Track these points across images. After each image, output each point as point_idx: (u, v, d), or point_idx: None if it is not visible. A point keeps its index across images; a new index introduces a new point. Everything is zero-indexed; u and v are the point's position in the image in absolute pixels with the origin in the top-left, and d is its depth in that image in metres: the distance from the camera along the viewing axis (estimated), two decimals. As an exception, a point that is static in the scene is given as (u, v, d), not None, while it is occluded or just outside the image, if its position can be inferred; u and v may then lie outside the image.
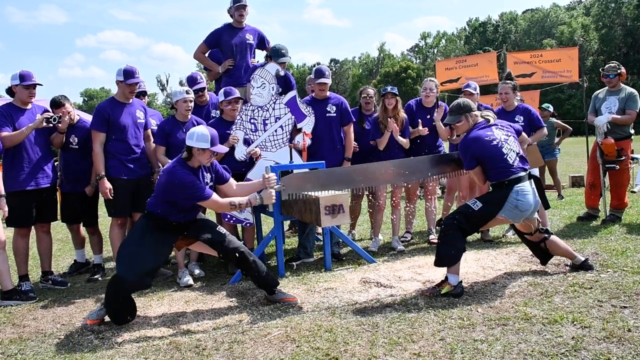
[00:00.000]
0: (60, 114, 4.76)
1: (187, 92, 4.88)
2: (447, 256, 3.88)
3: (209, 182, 3.90)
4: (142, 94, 5.61)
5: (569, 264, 4.31)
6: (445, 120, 4.39)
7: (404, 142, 5.51)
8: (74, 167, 5.07)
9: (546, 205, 4.28)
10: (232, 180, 4.13)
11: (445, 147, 6.04)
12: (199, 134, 3.72)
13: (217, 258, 4.68)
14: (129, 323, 3.67)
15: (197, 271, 4.93)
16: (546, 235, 4.22)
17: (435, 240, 5.66)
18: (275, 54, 5.38)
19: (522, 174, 3.95)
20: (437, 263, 3.95)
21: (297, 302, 3.89)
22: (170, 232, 3.81)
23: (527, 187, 3.94)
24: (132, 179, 4.76)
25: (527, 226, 4.19)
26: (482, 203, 3.94)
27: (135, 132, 4.82)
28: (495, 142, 3.97)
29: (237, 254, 3.85)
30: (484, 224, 4.03)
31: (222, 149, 3.89)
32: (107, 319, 3.71)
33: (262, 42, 6.03)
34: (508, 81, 5.63)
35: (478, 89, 5.84)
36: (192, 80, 5.44)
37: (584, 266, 4.19)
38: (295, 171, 4.44)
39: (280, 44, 5.50)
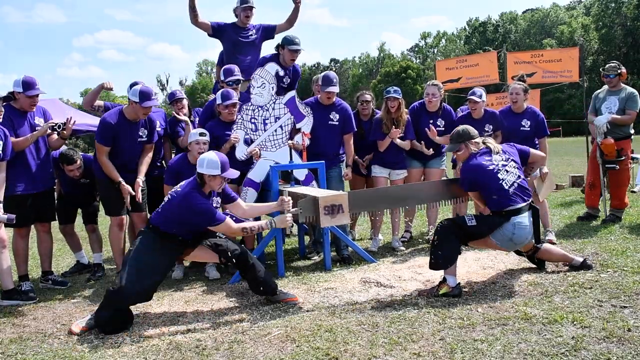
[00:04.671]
0: (65, 121, 4.74)
1: (200, 135, 4.72)
2: (442, 259, 3.88)
3: (217, 205, 3.94)
4: None
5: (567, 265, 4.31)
6: (445, 149, 4.44)
7: (405, 144, 5.48)
8: (79, 196, 5.26)
9: (537, 241, 4.17)
10: (240, 201, 4.14)
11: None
12: (209, 161, 3.73)
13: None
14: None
15: (213, 272, 4.91)
16: (538, 246, 4.20)
17: None
18: (288, 42, 5.23)
19: (522, 205, 3.93)
20: (432, 266, 3.95)
21: (299, 301, 3.89)
22: (176, 247, 3.82)
23: (525, 221, 3.92)
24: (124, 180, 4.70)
25: (526, 246, 4.18)
26: (476, 221, 3.96)
27: (132, 149, 4.77)
28: (491, 168, 3.97)
29: (237, 255, 3.86)
30: (473, 240, 4.05)
31: (233, 174, 3.86)
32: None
33: (267, 33, 5.99)
34: (520, 82, 5.58)
35: (484, 95, 5.56)
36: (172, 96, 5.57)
37: (584, 266, 4.20)
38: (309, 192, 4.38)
39: (293, 34, 5.35)
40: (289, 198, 4.03)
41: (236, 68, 5.34)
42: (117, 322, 3.55)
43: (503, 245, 4.02)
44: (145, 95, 4.55)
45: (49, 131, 4.63)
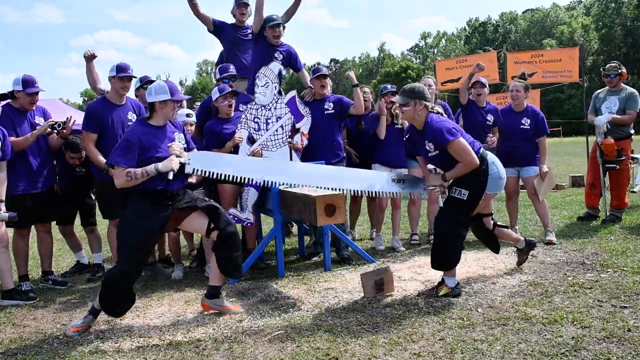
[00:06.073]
0: (65, 120, 4.74)
1: (187, 115, 4.86)
2: (447, 260, 3.84)
3: (182, 143, 3.69)
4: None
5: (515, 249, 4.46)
6: (394, 98, 4.07)
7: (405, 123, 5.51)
8: (76, 187, 5.21)
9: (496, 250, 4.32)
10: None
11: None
12: (157, 87, 3.58)
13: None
14: (129, 323, 3.68)
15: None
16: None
17: None
18: (267, 21, 5.38)
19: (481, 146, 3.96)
20: (436, 266, 3.91)
21: (240, 311, 3.78)
22: (161, 206, 3.57)
23: (493, 156, 3.96)
24: None
25: (489, 206, 4.13)
26: (467, 189, 3.78)
27: (123, 134, 4.72)
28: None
29: (228, 226, 3.67)
30: (475, 207, 3.89)
31: (184, 97, 3.73)
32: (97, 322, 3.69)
33: None
34: (521, 80, 5.59)
35: (487, 86, 5.73)
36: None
37: (530, 245, 4.37)
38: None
39: (270, 14, 5.49)
40: (178, 143, 3.66)
41: (231, 66, 5.43)
42: (123, 302, 3.56)
43: (494, 189, 3.87)
44: (121, 68, 4.62)
45: (49, 130, 4.62)
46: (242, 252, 3.84)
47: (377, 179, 4.28)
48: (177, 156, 3.56)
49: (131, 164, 3.45)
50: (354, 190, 4.19)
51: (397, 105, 3.96)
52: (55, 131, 4.70)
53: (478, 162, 3.74)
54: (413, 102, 3.81)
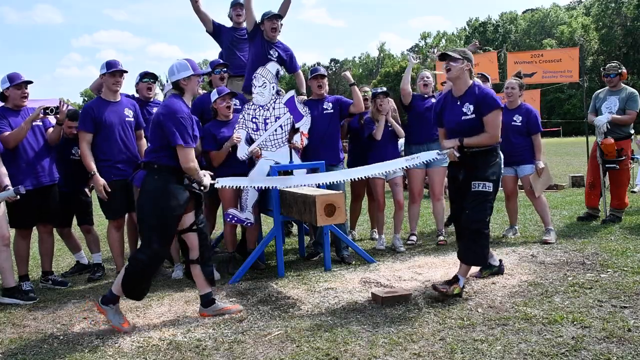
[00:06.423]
0: (58, 104, 4.73)
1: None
2: (484, 253, 3.87)
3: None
4: (153, 78, 5.36)
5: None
6: (447, 50, 4.02)
7: (399, 130, 5.61)
8: (73, 175, 5.16)
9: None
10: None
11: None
12: (178, 65, 3.62)
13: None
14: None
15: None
16: None
17: (444, 242, 5.63)
18: (265, 15, 5.43)
19: None
20: (476, 262, 3.91)
21: (241, 309, 3.80)
22: (180, 184, 3.57)
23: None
24: (123, 179, 4.61)
25: None
26: (491, 182, 3.83)
27: (122, 131, 4.70)
28: None
29: (205, 232, 3.79)
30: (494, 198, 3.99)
31: (204, 70, 3.76)
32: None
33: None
34: (516, 78, 5.62)
35: (490, 81, 5.83)
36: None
37: (500, 270, 4.30)
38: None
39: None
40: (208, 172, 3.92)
41: (220, 60, 5.53)
42: (146, 285, 3.64)
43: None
44: (110, 64, 4.65)
45: (41, 115, 4.58)
46: (240, 254, 3.87)
47: (393, 164, 4.57)
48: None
49: (191, 141, 3.55)
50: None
51: (446, 61, 3.90)
52: (49, 115, 4.65)
53: (500, 139, 3.87)
54: (462, 60, 3.84)
